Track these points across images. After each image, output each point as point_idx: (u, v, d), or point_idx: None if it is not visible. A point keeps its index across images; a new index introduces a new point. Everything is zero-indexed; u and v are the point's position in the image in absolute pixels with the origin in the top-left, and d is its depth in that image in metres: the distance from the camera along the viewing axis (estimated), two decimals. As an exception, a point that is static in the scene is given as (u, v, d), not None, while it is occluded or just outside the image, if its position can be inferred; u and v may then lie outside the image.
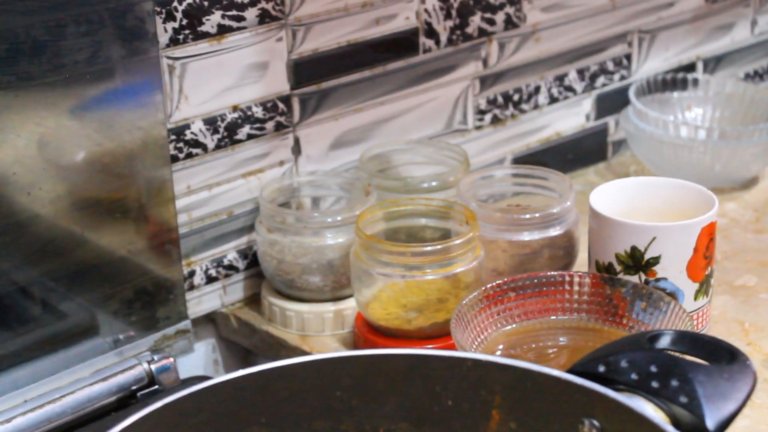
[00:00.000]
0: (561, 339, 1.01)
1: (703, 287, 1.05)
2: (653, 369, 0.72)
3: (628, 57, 1.46)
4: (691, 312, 1.05)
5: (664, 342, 0.77)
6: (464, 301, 0.99)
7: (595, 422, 0.72)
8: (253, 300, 1.20)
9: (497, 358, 0.77)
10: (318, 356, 0.77)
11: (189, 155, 1.11)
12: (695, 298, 1.05)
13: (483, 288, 1.01)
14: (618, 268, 1.04)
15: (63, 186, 1.02)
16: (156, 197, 1.09)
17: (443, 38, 1.27)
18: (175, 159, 1.10)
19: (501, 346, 1.00)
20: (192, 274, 1.15)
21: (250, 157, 1.16)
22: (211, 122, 1.12)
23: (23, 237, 1.00)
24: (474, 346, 0.98)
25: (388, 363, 0.77)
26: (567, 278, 1.02)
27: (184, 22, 1.07)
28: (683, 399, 0.70)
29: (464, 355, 0.78)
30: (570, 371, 0.73)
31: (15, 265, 1.01)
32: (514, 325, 1.02)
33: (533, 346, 1.01)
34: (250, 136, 1.15)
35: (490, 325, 1.00)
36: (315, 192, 1.20)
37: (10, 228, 0.99)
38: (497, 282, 1.01)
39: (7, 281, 1.00)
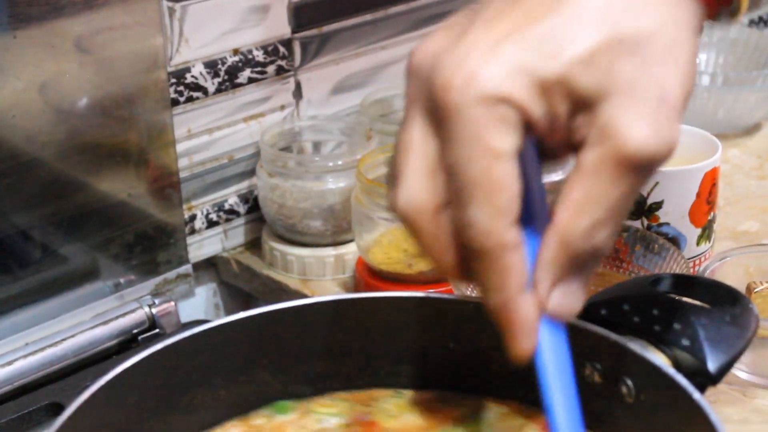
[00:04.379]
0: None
1: (706, 233, 1.05)
2: (655, 312, 0.72)
3: (632, 2, 1.45)
4: (693, 257, 1.04)
5: (666, 286, 0.76)
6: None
7: (597, 365, 0.72)
8: (254, 244, 1.19)
9: (499, 302, 0.77)
10: (319, 299, 0.77)
11: (189, 99, 1.11)
12: (698, 244, 1.05)
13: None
14: (620, 213, 1.04)
15: (63, 130, 1.02)
16: (156, 141, 1.08)
17: (445, -18, 1.26)
18: (175, 103, 1.10)
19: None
20: (193, 218, 1.14)
21: (251, 101, 1.15)
22: (211, 66, 1.11)
23: (23, 181, 1.00)
24: (471, 288, 0.97)
25: (389, 306, 0.76)
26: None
27: (184, -37, 1.07)
28: (685, 342, 0.70)
29: (466, 299, 0.78)
30: (572, 314, 0.73)
31: (15, 209, 1.00)
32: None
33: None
34: (250, 80, 1.15)
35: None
36: (316, 136, 1.19)
37: (9, 171, 0.99)
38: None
39: (7, 225, 1.00)
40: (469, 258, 0.60)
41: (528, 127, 0.59)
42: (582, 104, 0.59)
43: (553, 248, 0.60)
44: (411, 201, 0.61)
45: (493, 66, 0.58)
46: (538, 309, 0.61)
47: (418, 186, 0.60)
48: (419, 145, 0.61)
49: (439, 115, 0.59)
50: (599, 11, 0.59)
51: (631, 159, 0.58)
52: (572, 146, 0.60)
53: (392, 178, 0.62)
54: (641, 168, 0.59)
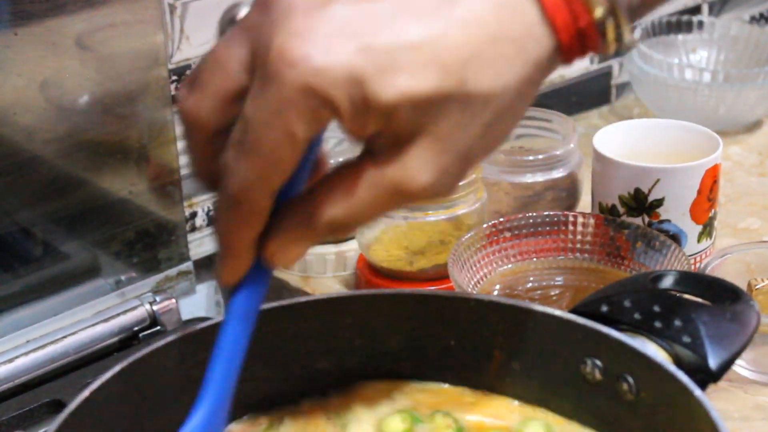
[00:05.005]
0: (562, 280, 1.01)
1: (707, 229, 1.05)
2: (656, 309, 0.72)
3: (633, -1, 1.44)
4: (694, 254, 1.04)
5: (667, 282, 0.76)
6: (461, 240, 0.99)
7: (598, 362, 0.72)
8: (255, 241, 1.19)
9: (500, 299, 0.77)
10: (320, 296, 0.77)
11: (190, 96, 1.10)
12: (698, 241, 1.05)
13: (480, 228, 1.01)
14: (621, 210, 1.04)
15: (64, 127, 1.02)
16: (157, 138, 1.08)
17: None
18: (176, 100, 1.09)
19: (498, 286, 1.00)
20: (194, 215, 1.14)
21: (251, 98, 1.15)
22: (212, 63, 1.11)
23: (24, 178, 1.00)
24: (471, 286, 0.97)
25: (391, 303, 0.76)
26: (570, 219, 1.02)
27: (185, -39, 1.07)
28: (686, 339, 0.70)
29: (467, 296, 0.78)
30: (573, 311, 0.73)
31: (16, 207, 1.00)
32: (510, 266, 1.01)
33: (534, 286, 1.00)
34: (251, 78, 1.14)
35: (487, 264, 1.00)
36: (317, 134, 1.19)
37: (10, 169, 0.99)
38: (493, 222, 1.01)
39: (8, 222, 1.00)
40: (221, 191, 0.62)
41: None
42: (392, 132, 0.59)
43: (297, 218, 0.62)
44: (197, 113, 0.61)
45: (331, 62, 0.57)
46: (253, 255, 0.63)
47: (210, 105, 0.61)
48: (230, 73, 0.60)
49: (261, 71, 0.58)
50: (458, 55, 0.58)
51: (405, 195, 0.60)
52: (365, 142, 0.61)
53: (192, 80, 0.62)
54: (408, 200, 0.61)
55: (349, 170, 0.61)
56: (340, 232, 0.62)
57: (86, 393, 0.67)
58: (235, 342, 0.65)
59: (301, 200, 0.62)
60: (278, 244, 0.63)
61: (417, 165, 0.59)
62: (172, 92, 1.08)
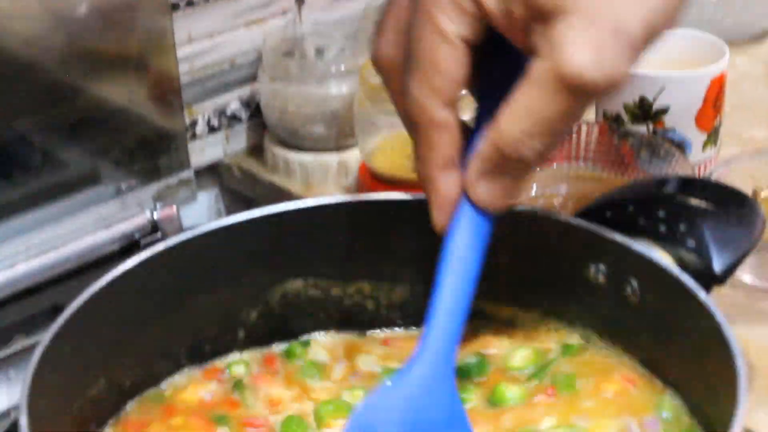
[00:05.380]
0: (566, 188, 1.00)
1: (712, 138, 1.04)
2: (661, 214, 0.71)
3: None
4: (699, 162, 1.04)
5: (671, 188, 0.76)
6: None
7: (602, 266, 0.71)
8: (256, 149, 1.19)
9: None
10: (322, 200, 0.76)
11: (190, 3, 1.09)
12: (703, 149, 1.04)
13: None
14: (626, 118, 1.03)
15: (61, 35, 1.00)
16: (156, 46, 1.07)
17: None
18: (175, 7, 1.08)
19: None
20: (194, 123, 1.14)
21: (252, 5, 1.14)
22: (211, -31, 1.10)
23: (21, 86, 0.99)
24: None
25: (393, 208, 0.76)
26: (575, 126, 1.01)
27: None
28: (691, 243, 0.69)
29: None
30: (576, 215, 0.73)
31: (14, 114, 0.99)
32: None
33: (537, 194, 1.00)
34: (251, -16, 1.13)
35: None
36: (319, 41, 1.18)
37: (7, 76, 0.98)
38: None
39: (7, 130, 0.99)
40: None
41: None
42: (539, 14, 0.59)
43: (487, 143, 0.62)
44: (381, 53, 0.66)
45: None
46: (458, 189, 0.64)
47: (390, 42, 0.65)
48: (399, 6, 0.64)
49: None
50: None
51: (569, 81, 0.58)
52: (530, 50, 0.61)
53: (376, 28, 0.66)
54: (578, 92, 0.59)
55: (520, 83, 0.61)
56: (535, 153, 0.61)
57: (85, 296, 0.67)
58: (452, 292, 0.64)
59: (490, 125, 0.62)
60: (476, 175, 0.63)
61: (569, 45, 0.58)
62: (171, 0, 1.07)
